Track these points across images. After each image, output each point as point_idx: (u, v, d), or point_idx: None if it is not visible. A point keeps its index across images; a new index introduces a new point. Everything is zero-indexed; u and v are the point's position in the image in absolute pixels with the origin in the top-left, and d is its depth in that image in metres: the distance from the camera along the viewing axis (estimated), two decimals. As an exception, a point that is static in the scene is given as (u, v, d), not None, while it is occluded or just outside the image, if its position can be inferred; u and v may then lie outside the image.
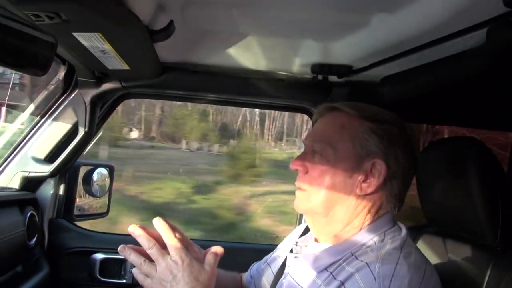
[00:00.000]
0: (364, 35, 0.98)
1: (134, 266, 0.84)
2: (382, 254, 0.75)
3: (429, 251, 0.97)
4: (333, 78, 1.30)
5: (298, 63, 1.25)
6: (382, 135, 0.84)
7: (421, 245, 1.04)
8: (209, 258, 0.85)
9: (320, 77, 1.31)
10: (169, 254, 0.81)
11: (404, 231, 0.82)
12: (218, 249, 0.87)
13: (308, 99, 1.42)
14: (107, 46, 0.92)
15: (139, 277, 0.83)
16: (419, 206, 1.07)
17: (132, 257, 0.83)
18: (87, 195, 1.62)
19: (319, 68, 1.24)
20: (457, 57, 0.95)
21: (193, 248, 0.92)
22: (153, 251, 0.81)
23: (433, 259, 0.81)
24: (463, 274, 0.90)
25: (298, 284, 0.84)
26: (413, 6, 0.80)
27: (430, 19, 0.83)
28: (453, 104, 1.29)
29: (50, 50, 0.59)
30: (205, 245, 1.08)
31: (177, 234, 0.86)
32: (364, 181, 0.83)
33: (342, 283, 0.74)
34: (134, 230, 0.84)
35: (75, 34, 0.83)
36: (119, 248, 0.85)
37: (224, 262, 1.10)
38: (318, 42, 1.10)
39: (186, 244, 0.88)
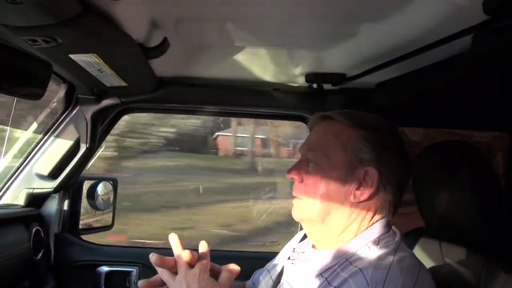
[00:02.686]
0: (355, 43, 1.00)
1: (139, 279, 0.86)
2: (376, 259, 0.76)
3: (426, 254, 0.98)
4: (327, 86, 1.32)
5: (293, 73, 1.27)
6: (374, 143, 0.85)
7: (418, 249, 1.05)
8: (224, 276, 0.85)
9: (315, 85, 1.33)
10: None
11: (398, 236, 0.84)
12: (234, 267, 0.87)
13: (304, 107, 1.44)
14: (103, 65, 0.95)
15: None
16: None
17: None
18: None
19: (314, 77, 1.26)
20: (446, 62, 0.96)
21: (211, 266, 0.92)
22: (179, 258, 0.83)
23: (430, 263, 0.82)
24: (459, 277, 0.91)
25: None
26: (400, 15, 0.83)
27: (417, 27, 0.85)
28: (445, 107, 1.30)
29: (45, 76, 0.62)
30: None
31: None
32: (357, 189, 0.84)
33: None
34: (171, 238, 0.86)
35: (71, 55, 0.85)
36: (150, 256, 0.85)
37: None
38: (311, 52, 1.12)
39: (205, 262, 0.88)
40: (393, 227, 0.87)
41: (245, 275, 1.19)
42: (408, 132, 1.06)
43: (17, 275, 1.27)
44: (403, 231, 0.87)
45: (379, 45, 0.98)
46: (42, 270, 1.41)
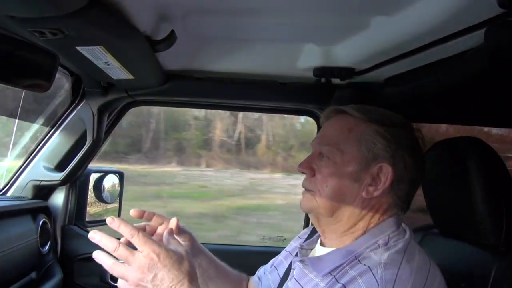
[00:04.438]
0: (364, 37, 0.99)
1: None
2: (385, 258, 0.75)
3: (434, 252, 0.97)
4: (335, 80, 1.30)
5: (300, 67, 1.26)
6: (390, 139, 0.83)
7: (426, 246, 1.03)
8: (173, 241, 0.79)
9: (322, 80, 1.32)
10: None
11: (408, 233, 0.82)
12: (172, 223, 0.90)
13: (312, 102, 1.42)
14: (110, 58, 0.94)
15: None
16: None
17: (100, 257, 0.75)
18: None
19: (321, 71, 1.25)
20: (457, 57, 0.94)
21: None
22: (119, 253, 0.73)
23: (438, 260, 0.80)
24: (468, 275, 0.90)
25: (302, 287, 0.85)
26: (411, 8, 0.81)
27: (429, 20, 0.83)
28: (456, 103, 1.28)
29: (52, 68, 0.61)
30: (211, 248, 1.11)
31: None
32: (370, 185, 0.83)
33: (344, 286, 0.74)
34: (95, 235, 0.75)
35: (78, 48, 0.85)
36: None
37: (232, 265, 1.13)
38: (319, 46, 1.11)
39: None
40: (403, 224, 0.85)
41: (249, 270, 1.19)
42: (418, 127, 1.05)
43: (24, 266, 1.28)
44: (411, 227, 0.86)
45: (389, 38, 0.96)
46: (49, 262, 1.42)
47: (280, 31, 1.01)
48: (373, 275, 0.72)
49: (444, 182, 0.99)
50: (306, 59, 1.20)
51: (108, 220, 0.77)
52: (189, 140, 8.88)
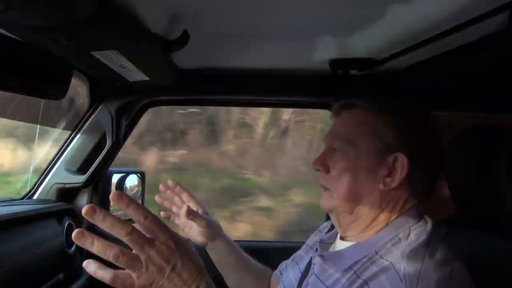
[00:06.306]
0: (381, 26, 0.96)
1: None
2: (407, 253, 0.73)
3: (459, 244, 0.94)
4: (353, 72, 1.28)
5: (316, 60, 1.24)
6: (402, 128, 0.82)
7: (451, 239, 1.00)
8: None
9: (339, 72, 1.29)
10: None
11: (430, 226, 0.80)
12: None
13: (329, 95, 1.40)
14: (125, 61, 0.95)
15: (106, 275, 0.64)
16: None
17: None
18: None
19: (338, 63, 1.23)
20: (480, 42, 0.91)
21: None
22: (132, 237, 0.62)
23: (463, 253, 0.78)
24: (495, 268, 0.87)
25: (322, 283, 0.84)
26: None
27: (448, 5, 0.80)
28: (478, 90, 1.24)
29: (67, 75, 0.62)
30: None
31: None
32: (387, 176, 0.81)
33: (366, 282, 0.73)
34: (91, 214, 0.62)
35: (93, 52, 0.86)
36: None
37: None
38: (335, 38, 1.08)
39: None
40: (425, 216, 0.83)
41: (270, 265, 1.19)
42: (439, 116, 1.01)
43: (52, 267, 1.31)
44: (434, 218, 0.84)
45: (408, 26, 0.93)
46: (76, 263, 1.45)
47: (294, 25, 1.00)
48: (396, 271, 0.71)
49: (470, 172, 0.95)
50: (322, 52, 1.18)
51: (113, 196, 0.63)
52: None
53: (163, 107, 2.54)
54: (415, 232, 0.78)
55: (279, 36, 1.08)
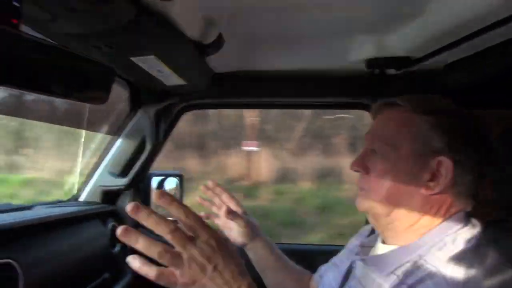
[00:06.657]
0: (419, 23, 0.93)
1: None
2: (454, 258, 0.70)
3: (509, 250, 0.89)
4: (390, 71, 1.25)
5: (353, 60, 1.22)
6: (446, 130, 0.77)
7: (501, 242, 0.95)
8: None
9: (376, 71, 1.27)
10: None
11: (478, 230, 0.76)
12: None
13: (366, 94, 1.37)
14: (162, 66, 0.98)
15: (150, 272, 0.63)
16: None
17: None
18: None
19: (375, 62, 1.20)
20: None
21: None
22: (175, 235, 0.62)
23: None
24: None
25: (364, 287, 0.82)
26: None
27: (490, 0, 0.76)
28: None
29: (109, 80, 0.65)
30: None
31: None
32: (430, 180, 0.77)
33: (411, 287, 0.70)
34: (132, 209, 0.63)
35: (132, 58, 0.89)
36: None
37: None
38: (372, 36, 1.07)
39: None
40: (472, 219, 0.79)
41: (309, 268, 1.18)
42: (482, 115, 0.96)
43: (97, 267, 1.36)
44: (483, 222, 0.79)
45: (447, 22, 0.90)
46: (120, 263, 1.50)
47: (330, 24, 0.99)
48: (443, 277, 0.67)
49: None
50: (358, 51, 1.16)
51: (156, 194, 0.64)
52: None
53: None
54: (463, 236, 0.74)
55: (314, 37, 1.08)
